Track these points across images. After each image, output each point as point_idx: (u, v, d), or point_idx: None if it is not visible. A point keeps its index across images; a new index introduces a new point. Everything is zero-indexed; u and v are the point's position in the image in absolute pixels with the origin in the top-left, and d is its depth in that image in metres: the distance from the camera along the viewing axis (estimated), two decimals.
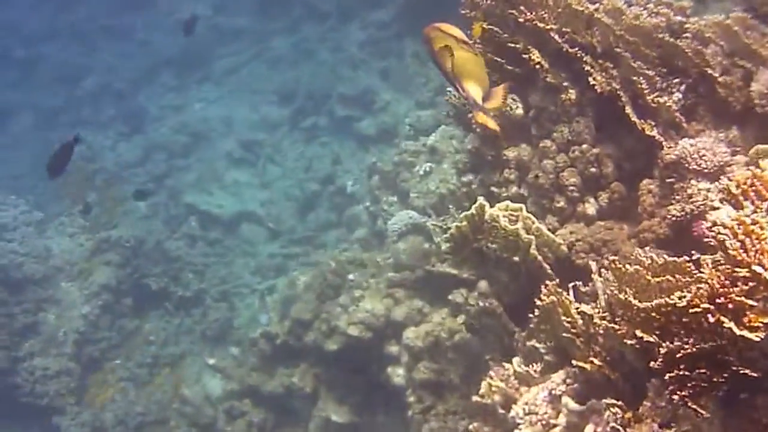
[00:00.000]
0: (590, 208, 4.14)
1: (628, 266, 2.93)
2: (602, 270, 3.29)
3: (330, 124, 11.31)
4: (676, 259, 2.93)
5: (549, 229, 4.17)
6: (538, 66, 4.16)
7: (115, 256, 9.11)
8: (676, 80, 4.04)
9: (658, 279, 2.82)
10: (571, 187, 4.15)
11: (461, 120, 5.22)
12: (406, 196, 7.20)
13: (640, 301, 2.75)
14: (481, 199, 4.08)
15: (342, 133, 10.99)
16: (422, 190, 6.74)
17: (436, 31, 3.51)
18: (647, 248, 3.74)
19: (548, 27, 4.15)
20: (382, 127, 10.21)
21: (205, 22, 15.26)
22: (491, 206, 4.08)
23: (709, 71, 3.90)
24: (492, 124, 3.39)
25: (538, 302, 3.31)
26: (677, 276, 2.77)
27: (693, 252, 3.30)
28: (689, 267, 2.85)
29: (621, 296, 2.83)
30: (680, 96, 4.01)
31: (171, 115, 13.33)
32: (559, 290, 3.22)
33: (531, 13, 4.20)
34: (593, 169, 4.10)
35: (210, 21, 15.36)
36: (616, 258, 3.06)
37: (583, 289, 3.54)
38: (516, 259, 4.01)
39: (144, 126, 13.31)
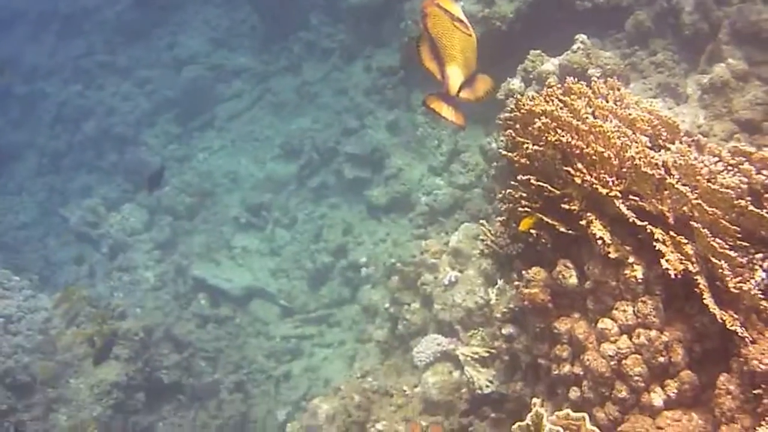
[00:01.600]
0: (656, 398, 3.46)
1: None
2: None
3: (338, 183, 10.61)
4: None
5: (610, 420, 3.51)
6: (599, 240, 3.46)
7: (124, 350, 8.40)
8: (759, 255, 3.35)
9: None
10: (636, 378, 3.46)
11: (498, 260, 4.53)
12: (429, 301, 6.51)
13: None
14: (537, 406, 3.38)
15: (352, 194, 10.30)
16: (447, 303, 6.04)
17: (433, 7, 3.31)
18: None
19: (612, 194, 3.45)
20: (394, 196, 9.46)
21: (204, 59, 14.61)
22: (543, 412, 3.39)
23: None
24: (458, 120, 3.29)
25: None
26: None
27: None
28: None
29: None
30: (763, 275, 3.32)
31: (175, 166, 12.60)
32: None
33: (590, 173, 3.50)
34: (661, 359, 3.41)
35: (210, 58, 14.67)
36: None
37: None
38: None
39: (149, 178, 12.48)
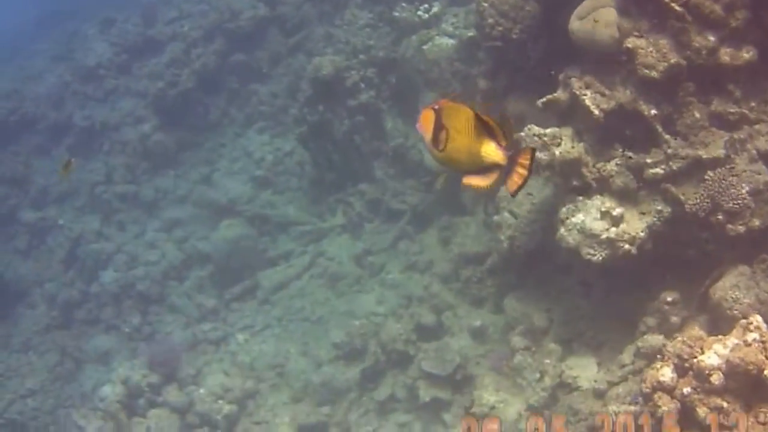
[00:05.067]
0: None
1: None
2: None
3: (410, 397, 9.84)
4: None
5: None
6: None
7: None
8: None
9: None
10: None
11: None
12: None
13: None
14: None
15: (427, 413, 9.54)
16: None
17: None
18: None
19: None
20: None
21: (245, 205, 14.16)
22: None
23: None
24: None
25: None
26: None
27: None
28: None
29: None
30: None
31: (210, 351, 11.96)
32: None
33: None
34: None
35: (252, 204, 14.25)
36: None
37: None
38: None
39: (179, 368, 11.78)
